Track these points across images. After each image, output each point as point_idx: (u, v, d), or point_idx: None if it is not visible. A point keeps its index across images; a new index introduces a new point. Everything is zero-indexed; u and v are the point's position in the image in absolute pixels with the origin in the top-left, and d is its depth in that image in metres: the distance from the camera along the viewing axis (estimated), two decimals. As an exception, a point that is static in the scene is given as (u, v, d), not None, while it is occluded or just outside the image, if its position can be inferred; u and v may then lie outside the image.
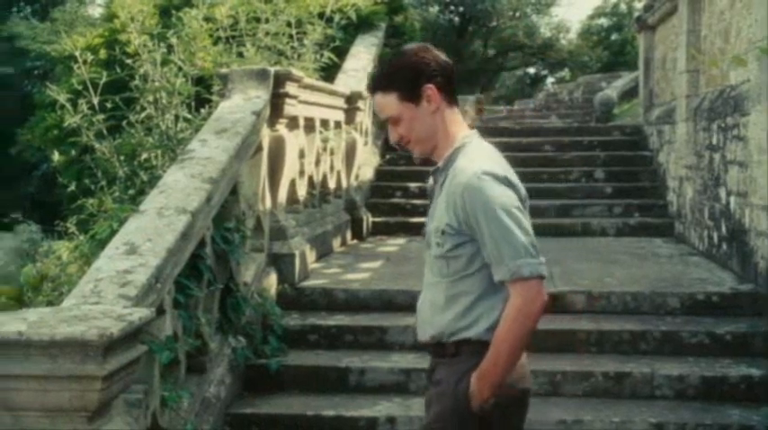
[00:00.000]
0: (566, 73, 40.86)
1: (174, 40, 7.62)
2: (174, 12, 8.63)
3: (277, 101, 6.13)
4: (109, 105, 7.41)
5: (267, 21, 7.98)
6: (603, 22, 41.47)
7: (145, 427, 3.45)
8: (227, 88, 6.08)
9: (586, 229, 9.12)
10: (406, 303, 5.93)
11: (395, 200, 9.92)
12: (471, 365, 2.56)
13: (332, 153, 8.17)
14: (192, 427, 4.16)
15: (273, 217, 6.27)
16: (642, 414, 4.75)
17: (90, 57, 7.75)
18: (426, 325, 2.73)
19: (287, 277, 6.17)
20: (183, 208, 4.35)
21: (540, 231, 9.33)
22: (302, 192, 7.25)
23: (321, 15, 8.62)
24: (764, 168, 5.81)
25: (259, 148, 5.93)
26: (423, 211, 9.45)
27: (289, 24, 8.04)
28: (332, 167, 8.26)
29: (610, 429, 4.66)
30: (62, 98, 7.25)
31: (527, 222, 2.58)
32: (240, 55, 7.89)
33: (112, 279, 3.61)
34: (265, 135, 6.07)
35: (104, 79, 7.25)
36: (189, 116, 7.44)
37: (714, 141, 7.26)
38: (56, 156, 8.55)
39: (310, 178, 7.51)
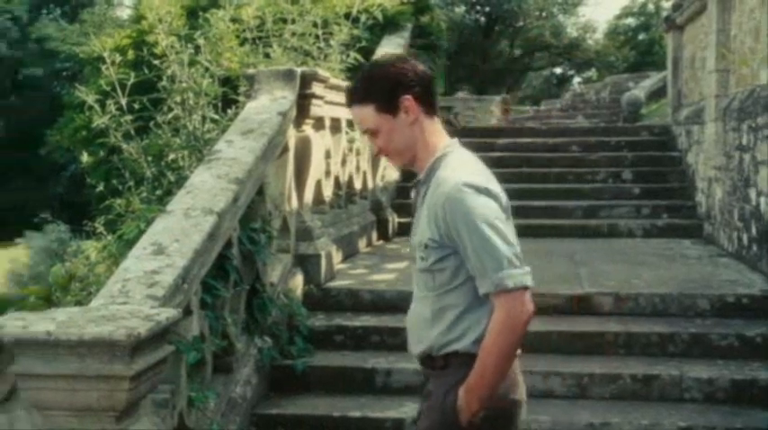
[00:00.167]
0: (592, 73, 40.67)
1: (201, 41, 7.65)
2: (201, 13, 8.67)
3: (303, 101, 6.14)
4: (137, 106, 7.45)
5: (293, 21, 7.99)
6: (631, 21, 41.24)
7: (172, 427, 3.46)
8: (253, 89, 6.09)
9: (613, 230, 9.05)
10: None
11: (421, 200, 9.88)
12: (460, 377, 2.54)
13: (358, 153, 8.17)
14: (219, 427, 4.17)
15: (299, 217, 6.27)
16: (671, 417, 4.71)
17: (118, 58, 7.79)
18: (416, 339, 2.72)
19: (313, 278, 6.17)
20: (209, 208, 4.36)
21: (567, 232, 9.28)
22: (328, 192, 7.26)
23: (347, 16, 8.62)
24: (796, 169, 5.74)
25: (285, 149, 5.93)
26: (449, 212, 9.42)
27: (315, 25, 8.04)
28: (358, 168, 8.25)
29: (638, 432, 4.63)
30: (90, 99, 7.29)
31: (510, 232, 2.54)
32: (266, 56, 7.91)
33: (140, 279, 3.63)
34: (291, 135, 6.07)
35: (132, 80, 7.29)
36: (216, 117, 7.46)
37: (744, 142, 7.18)
38: (84, 157, 8.61)
39: (336, 179, 7.51)
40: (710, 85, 8.61)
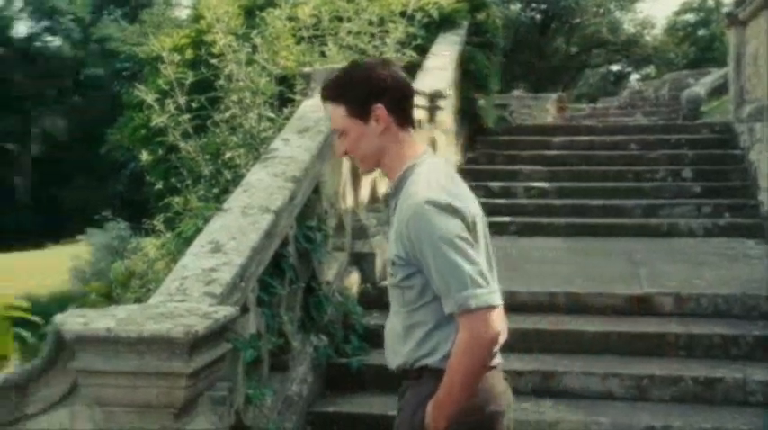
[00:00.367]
0: (651, 70, 40.09)
1: (257, 40, 7.70)
2: (257, 12, 8.73)
3: (359, 100, 6.13)
4: (194, 105, 7.52)
5: (349, 20, 8.00)
6: (690, 17, 40.56)
7: (229, 425, 3.48)
8: (309, 87, 6.11)
9: (673, 230, 8.87)
10: (488, 304, 5.88)
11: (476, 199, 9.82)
12: (431, 390, 2.51)
13: (413, 152, 8.13)
14: (275, 425, 4.18)
15: (355, 216, 6.27)
16: (734, 421, 4.60)
17: (177, 57, 7.87)
18: (391, 353, 2.70)
19: (368, 276, 6.16)
20: (266, 207, 4.37)
21: (626, 232, 9.11)
22: (383, 190, 7.24)
23: (403, 14, 8.60)
24: None
25: (341, 147, 5.92)
26: (505, 211, 9.35)
27: (371, 23, 8.03)
28: (413, 166, 8.22)
29: (700, 436, 4.53)
30: (150, 98, 7.38)
31: (474, 250, 2.46)
32: (322, 54, 7.92)
33: (198, 277, 3.65)
34: (347, 134, 6.06)
35: (190, 79, 7.36)
36: (272, 115, 7.50)
37: (810, 139, 6.99)
38: (143, 156, 8.73)
39: (392, 177, 7.48)
40: (775, 82, 8.40)
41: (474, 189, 9.50)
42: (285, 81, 7.95)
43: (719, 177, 10.03)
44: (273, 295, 4.40)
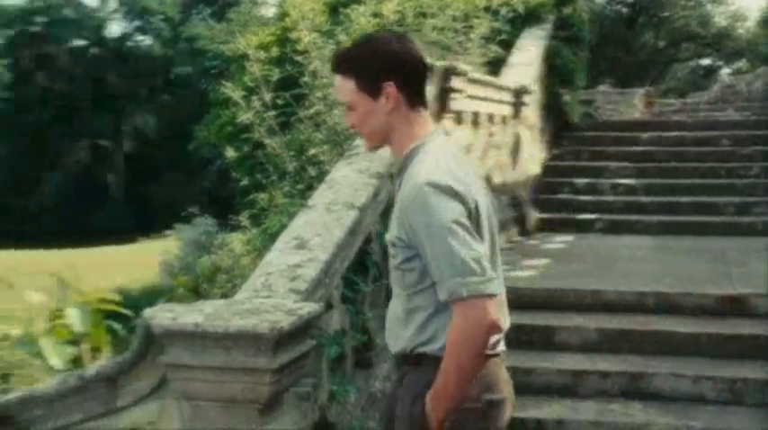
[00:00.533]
0: (743, 63, 38.89)
1: (342, 37, 7.72)
2: (341, 9, 8.76)
3: (443, 95, 6.10)
4: (280, 102, 7.58)
5: (433, 16, 7.96)
6: (786, 8, 39.16)
7: (313, 421, 3.49)
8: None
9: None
10: (574, 303, 5.81)
11: (561, 196, 9.70)
12: (430, 379, 2.43)
13: (497, 148, 8.07)
14: (358, 422, 4.18)
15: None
16: (833, 428, 4.42)
17: (262, 55, 7.96)
18: (392, 337, 2.63)
19: (452, 273, 6.11)
20: (350, 203, 4.38)
21: (717, 230, 8.83)
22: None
23: (487, 9, 8.52)
24: None
25: (425, 144, 5.90)
26: (590, 208, 9.20)
27: (455, 19, 7.98)
28: (497, 163, 8.15)
29: (797, 443, 4.37)
30: (236, 95, 7.48)
31: (472, 236, 2.35)
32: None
33: (283, 273, 3.67)
34: (431, 130, 6.03)
35: (276, 76, 7.43)
36: (356, 111, 7.51)
37: None
38: (229, 152, 8.85)
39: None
40: None
41: (558, 186, 9.38)
42: (369, 77, 7.94)
43: (816, 174, 9.66)
44: (357, 292, 4.40)
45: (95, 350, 5.94)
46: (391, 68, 2.48)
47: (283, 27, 11.08)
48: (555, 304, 5.89)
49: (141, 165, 44.62)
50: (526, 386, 5.05)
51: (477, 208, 2.43)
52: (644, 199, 9.43)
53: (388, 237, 2.56)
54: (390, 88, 2.48)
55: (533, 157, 9.81)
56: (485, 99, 7.34)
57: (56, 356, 5.63)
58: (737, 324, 5.46)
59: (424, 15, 8.05)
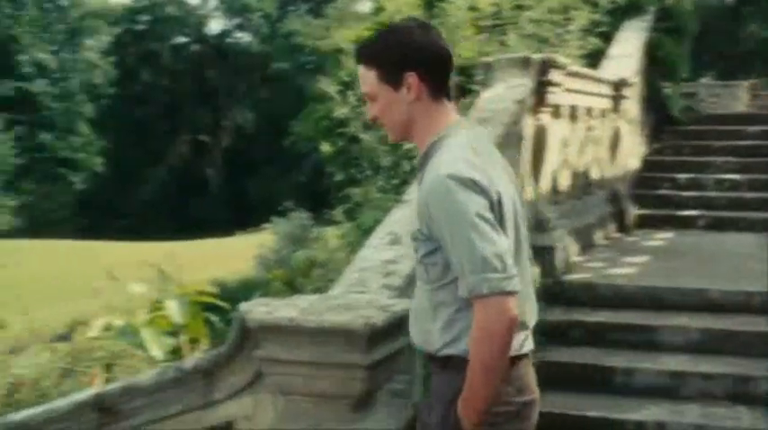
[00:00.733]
0: None
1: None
2: (437, 3, 8.71)
3: (540, 89, 5.99)
4: (375, 96, 7.59)
5: (530, 8, 7.86)
6: None
7: (407, 418, 3.47)
8: (488, 77, 6.02)
9: None
10: (676, 302, 5.63)
11: (662, 191, 9.44)
12: (459, 385, 2.34)
13: (596, 142, 7.89)
14: (452, 419, 4.14)
15: (535, 208, 6.14)
16: None
17: (358, 50, 7.97)
18: (416, 329, 2.53)
19: (549, 270, 6.01)
20: (445, 198, 4.33)
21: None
22: (564, 182, 7.05)
23: (587, 0, 8.36)
24: None
25: (521, 138, 5.82)
26: (692, 204, 8.93)
27: (552, 11, 7.86)
28: (595, 157, 7.98)
29: None
30: (332, 90, 7.53)
31: (495, 230, 2.26)
32: (501, 43, 7.82)
33: (376, 269, 3.66)
34: (528, 124, 5.94)
35: (372, 70, 7.43)
36: (450, 106, 7.46)
37: None
38: (324, 147, 8.92)
39: (573, 168, 7.29)
40: None
41: (660, 181, 9.14)
42: (464, 71, 7.89)
43: None
44: (451, 288, 4.35)
45: (194, 341, 6.08)
46: (413, 59, 2.42)
47: (379, 21, 11.08)
48: (656, 303, 5.73)
49: (239, 160, 45.44)
50: (625, 388, 4.94)
51: (500, 200, 2.36)
52: (748, 195, 9.10)
53: (410, 230, 2.52)
54: (412, 78, 2.43)
55: (633, 152, 9.57)
56: (583, 92, 7.18)
57: (156, 347, 5.78)
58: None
59: (520, 8, 7.95)
